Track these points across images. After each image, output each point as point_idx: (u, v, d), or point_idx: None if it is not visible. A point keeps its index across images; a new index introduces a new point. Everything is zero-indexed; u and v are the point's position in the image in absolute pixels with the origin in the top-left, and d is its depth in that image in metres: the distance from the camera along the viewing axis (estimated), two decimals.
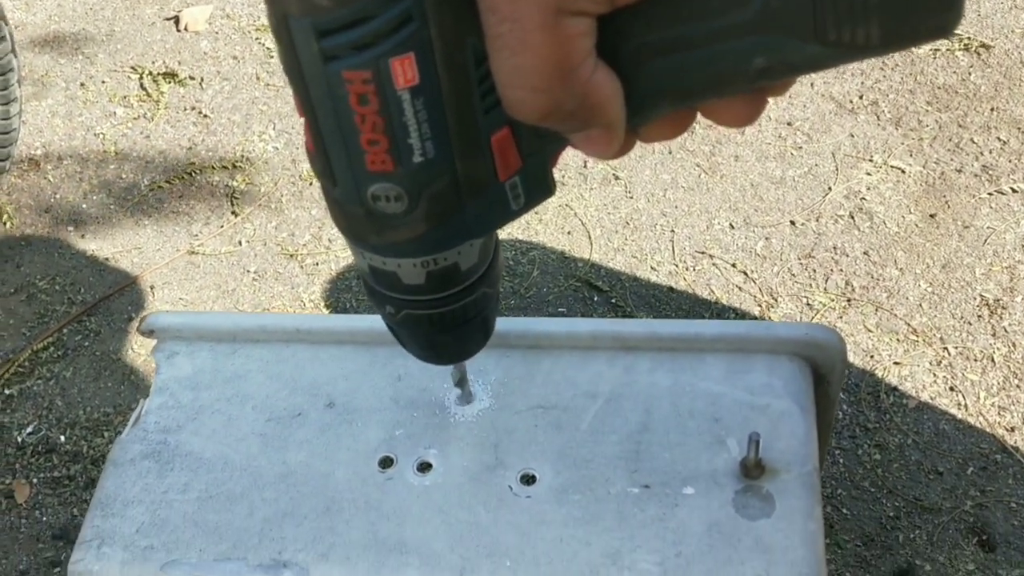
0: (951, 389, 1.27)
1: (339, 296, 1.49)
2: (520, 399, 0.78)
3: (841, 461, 1.21)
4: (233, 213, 1.65)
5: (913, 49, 1.67)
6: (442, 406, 0.78)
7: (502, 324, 0.85)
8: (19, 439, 1.40)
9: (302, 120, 0.41)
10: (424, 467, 0.75)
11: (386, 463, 0.76)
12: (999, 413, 1.23)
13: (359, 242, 0.47)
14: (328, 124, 0.40)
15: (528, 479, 0.74)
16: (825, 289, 1.42)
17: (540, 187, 0.46)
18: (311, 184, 1.68)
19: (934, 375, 1.28)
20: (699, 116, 0.45)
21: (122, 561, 0.72)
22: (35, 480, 1.35)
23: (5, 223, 1.67)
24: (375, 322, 0.86)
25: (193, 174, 1.71)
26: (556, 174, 0.45)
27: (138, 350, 1.49)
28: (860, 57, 0.39)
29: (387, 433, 0.77)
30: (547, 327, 0.82)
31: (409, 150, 0.40)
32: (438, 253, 0.48)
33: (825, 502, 1.17)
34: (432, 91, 0.39)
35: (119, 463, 0.78)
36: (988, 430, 1.21)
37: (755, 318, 1.39)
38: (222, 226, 1.62)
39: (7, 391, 1.46)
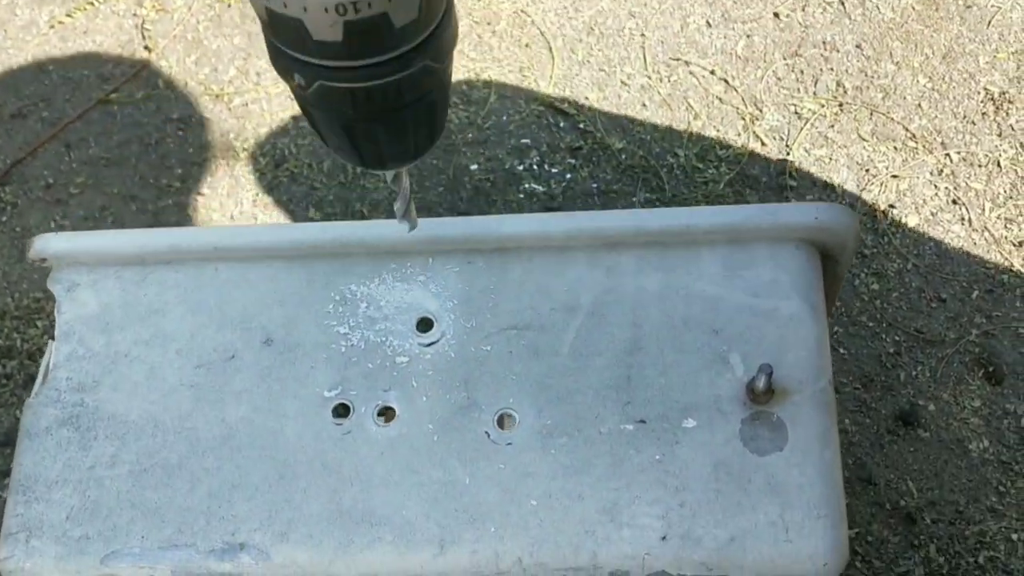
0: (953, 202, 1.16)
1: (275, 142, 1.33)
2: (489, 319, 0.67)
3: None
4: (146, 48, 1.44)
5: None
6: (399, 333, 0.67)
7: (460, 225, 0.72)
8: None
9: None
10: (386, 413, 0.65)
11: (341, 412, 0.65)
12: (1005, 226, 1.13)
13: None
14: None
15: (507, 421, 0.64)
16: (815, 93, 1.27)
17: None
18: (230, 6, 1.46)
19: (935, 187, 1.18)
20: None
21: (56, 556, 0.63)
22: None
23: None
24: (308, 232, 0.72)
25: (96, 3, 1.48)
26: None
27: (61, 221, 1.35)
28: None
29: (338, 374, 0.66)
30: (514, 227, 0.69)
31: None
32: None
33: None
34: None
35: (34, 434, 0.67)
36: (994, 247, 1.12)
37: (737, 134, 1.25)
38: (135, 66, 1.43)
39: None
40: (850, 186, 1.20)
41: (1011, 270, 1.11)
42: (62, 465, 0.66)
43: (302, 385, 0.66)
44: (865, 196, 1.19)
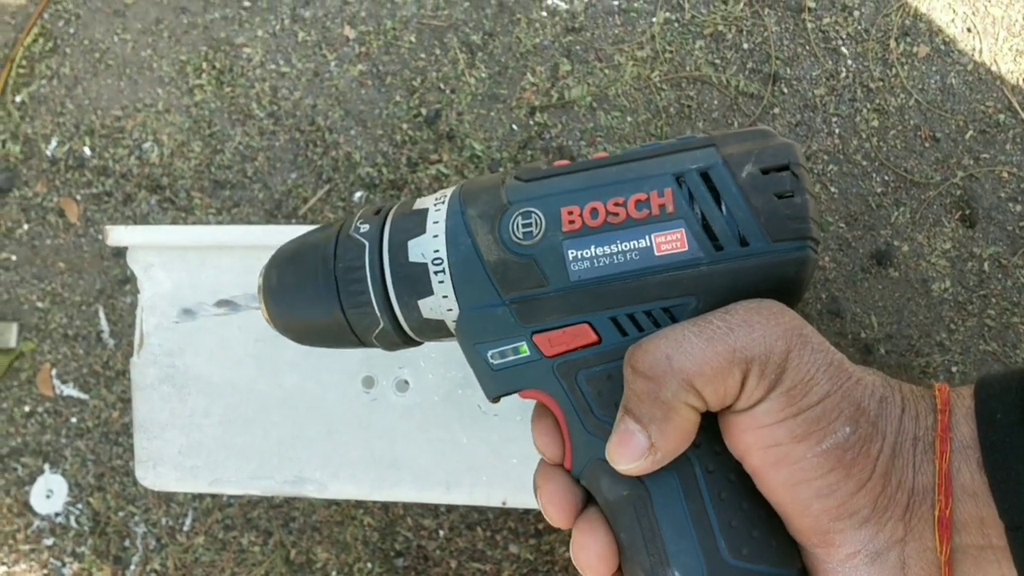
0: (968, 31, 1.16)
1: None
2: None
3: (837, 131, 1.18)
4: None
5: None
6: None
7: None
8: (49, 154, 1.47)
9: None
10: (402, 386, 0.85)
11: (368, 383, 0.85)
12: (1015, 59, 1.14)
13: None
14: None
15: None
16: None
17: None
18: None
19: (953, 11, 1.16)
20: None
21: (176, 479, 0.89)
22: (78, 197, 1.45)
23: None
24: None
25: None
26: None
27: (123, 35, 1.45)
28: None
29: (363, 353, 0.85)
30: None
31: None
32: None
33: (815, 179, 1.20)
34: None
35: (142, 387, 0.89)
36: (998, 82, 1.14)
37: None
38: None
39: (17, 98, 1.48)
40: (867, 11, 1.20)
41: (1009, 109, 1.15)
42: (168, 413, 0.89)
43: (336, 362, 0.85)
44: (881, 23, 1.20)
